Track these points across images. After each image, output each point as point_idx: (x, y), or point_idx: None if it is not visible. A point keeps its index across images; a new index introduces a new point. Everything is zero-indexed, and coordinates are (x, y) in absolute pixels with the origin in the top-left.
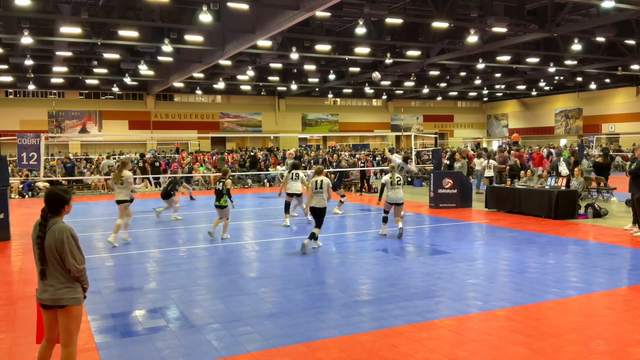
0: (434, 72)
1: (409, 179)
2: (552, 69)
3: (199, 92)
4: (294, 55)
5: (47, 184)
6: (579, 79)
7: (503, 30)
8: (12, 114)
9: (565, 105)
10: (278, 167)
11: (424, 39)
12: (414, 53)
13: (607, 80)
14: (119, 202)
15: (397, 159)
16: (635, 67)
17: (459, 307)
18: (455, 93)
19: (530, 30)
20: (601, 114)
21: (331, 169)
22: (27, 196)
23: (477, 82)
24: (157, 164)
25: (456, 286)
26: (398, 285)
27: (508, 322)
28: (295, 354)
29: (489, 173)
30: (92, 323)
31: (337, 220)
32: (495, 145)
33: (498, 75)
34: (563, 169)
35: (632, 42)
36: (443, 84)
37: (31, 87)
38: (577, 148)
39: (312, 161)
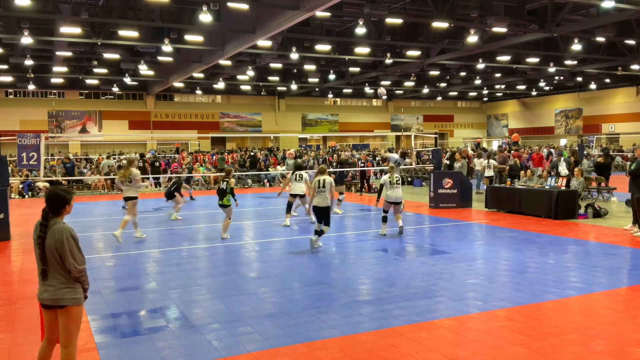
0: (434, 72)
1: (409, 179)
2: (552, 69)
3: (199, 92)
4: (294, 55)
5: (47, 184)
6: (579, 79)
7: (503, 30)
8: (12, 114)
9: (565, 105)
10: (278, 167)
11: (424, 39)
12: (414, 53)
13: (607, 80)
14: (127, 198)
15: (394, 155)
16: (635, 67)
17: (459, 307)
18: (455, 93)
19: (530, 30)
20: (601, 114)
21: (330, 169)
22: (27, 196)
23: (477, 82)
24: (157, 164)
25: (456, 286)
26: (398, 285)
27: (508, 322)
28: (295, 354)
29: (489, 173)
30: (92, 323)
31: (337, 220)
32: (495, 145)
33: (498, 75)
34: (562, 169)
35: (632, 42)
36: (443, 84)
37: (31, 87)
38: (577, 148)
39: (312, 160)
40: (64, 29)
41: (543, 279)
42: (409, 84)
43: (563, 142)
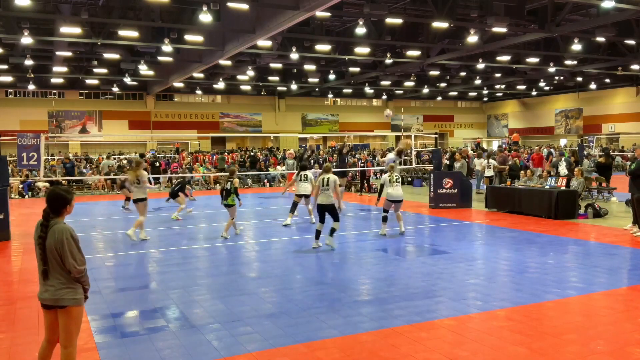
0: (434, 72)
1: (409, 179)
2: (552, 69)
3: (199, 92)
4: (294, 55)
5: (47, 184)
6: (579, 79)
7: (503, 30)
8: (12, 114)
9: (565, 105)
10: (278, 167)
11: (424, 39)
12: (414, 53)
13: (607, 80)
14: (137, 200)
15: (390, 156)
16: (635, 67)
17: (459, 307)
18: (455, 93)
19: (530, 30)
20: (601, 114)
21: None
22: (27, 196)
23: (477, 82)
24: (157, 164)
25: (456, 286)
26: (398, 285)
27: (508, 322)
28: (295, 354)
29: (489, 173)
30: (92, 323)
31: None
32: (495, 145)
33: (498, 75)
34: (562, 169)
35: (632, 42)
36: (443, 84)
37: (31, 87)
38: (577, 148)
39: (312, 160)
40: (64, 29)
41: (543, 279)
42: (409, 84)
43: (563, 142)
